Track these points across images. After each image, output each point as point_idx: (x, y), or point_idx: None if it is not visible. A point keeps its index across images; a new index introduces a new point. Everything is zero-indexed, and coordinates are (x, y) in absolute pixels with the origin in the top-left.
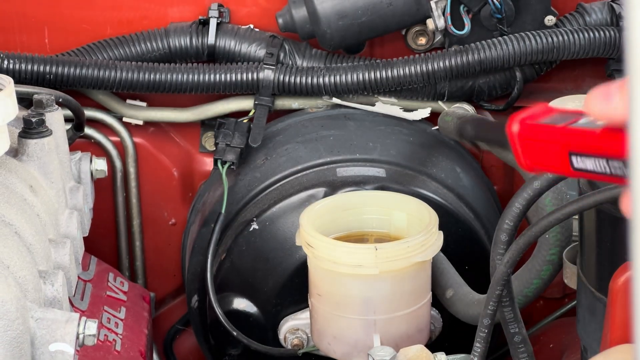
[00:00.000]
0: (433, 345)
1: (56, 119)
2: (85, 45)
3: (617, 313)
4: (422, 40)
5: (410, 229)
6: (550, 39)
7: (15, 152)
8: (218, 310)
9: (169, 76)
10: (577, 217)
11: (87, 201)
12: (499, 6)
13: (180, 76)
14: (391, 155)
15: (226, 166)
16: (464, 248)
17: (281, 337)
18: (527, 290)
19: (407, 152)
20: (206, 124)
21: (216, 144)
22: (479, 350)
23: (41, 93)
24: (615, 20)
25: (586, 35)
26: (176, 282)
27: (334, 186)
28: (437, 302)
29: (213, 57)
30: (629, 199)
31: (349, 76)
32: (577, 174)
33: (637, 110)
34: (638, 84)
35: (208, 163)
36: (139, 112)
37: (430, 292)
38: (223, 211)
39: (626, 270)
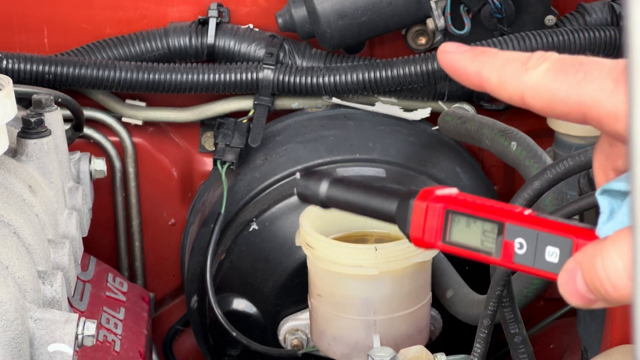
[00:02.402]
0: (433, 346)
1: (55, 119)
2: (85, 45)
3: (618, 314)
4: (422, 40)
5: None
6: (550, 39)
7: (14, 152)
8: (217, 311)
9: (168, 76)
10: (577, 217)
11: (86, 201)
12: (499, 6)
13: (179, 76)
14: (391, 155)
15: (226, 166)
16: None
17: (281, 337)
18: (528, 290)
19: (407, 152)
20: (206, 124)
21: (216, 144)
22: (479, 350)
23: (40, 93)
24: (616, 20)
25: (586, 35)
26: (175, 282)
27: None
28: (437, 302)
29: (212, 56)
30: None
31: (349, 76)
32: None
33: (638, 111)
34: (638, 84)
35: (207, 163)
36: (138, 112)
37: (430, 293)
38: (222, 211)
39: None
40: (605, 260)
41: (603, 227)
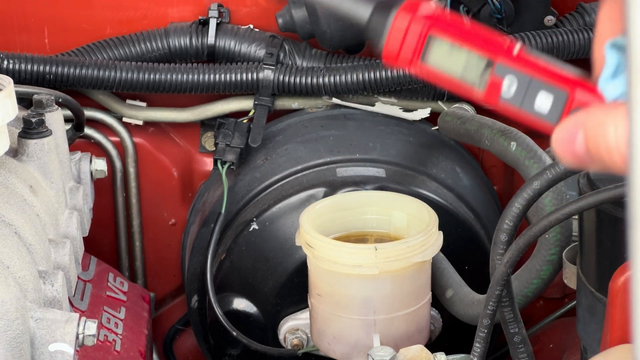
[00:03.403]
0: (433, 346)
1: (56, 119)
2: (85, 45)
3: (617, 313)
4: None
5: (410, 229)
6: (550, 39)
7: (15, 153)
8: (218, 310)
9: (168, 76)
10: (577, 217)
11: (87, 201)
12: (499, 6)
13: (180, 76)
14: (391, 155)
15: (226, 166)
16: (464, 248)
17: (281, 337)
18: (527, 290)
19: (407, 152)
20: (206, 124)
21: (216, 144)
22: (479, 350)
23: (41, 93)
24: None
25: (586, 35)
26: (176, 282)
27: (333, 186)
28: (437, 302)
29: (213, 57)
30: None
31: (349, 76)
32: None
33: (637, 111)
34: (638, 84)
35: (208, 163)
36: (139, 112)
37: (430, 292)
38: (223, 211)
39: (626, 271)
40: (619, 129)
41: (607, 84)
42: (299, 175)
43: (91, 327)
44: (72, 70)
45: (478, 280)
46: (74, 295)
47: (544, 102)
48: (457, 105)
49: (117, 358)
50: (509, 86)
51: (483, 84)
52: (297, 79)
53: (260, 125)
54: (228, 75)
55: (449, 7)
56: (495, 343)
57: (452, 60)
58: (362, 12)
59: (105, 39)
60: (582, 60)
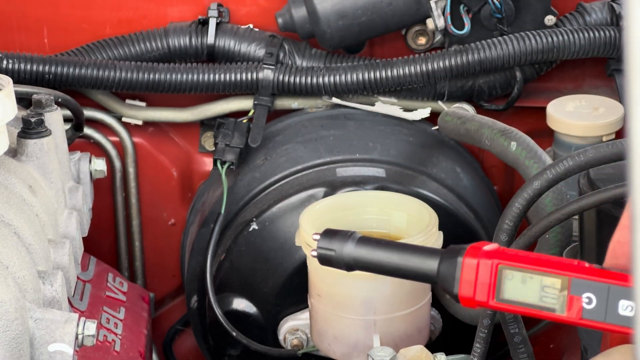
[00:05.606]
0: (433, 346)
1: (55, 119)
2: (85, 45)
3: None
4: (422, 40)
5: (410, 229)
6: (550, 39)
7: (14, 152)
8: (217, 311)
9: (168, 76)
10: (577, 217)
11: (87, 201)
12: (499, 6)
13: (179, 76)
14: (391, 155)
15: (226, 166)
16: None
17: (281, 337)
18: None
19: (407, 152)
20: (205, 124)
21: (216, 144)
22: (479, 350)
23: (40, 93)
24: (615, 20)
25: (586, 35)
26: (175, 282)
27: (333, 186)
28: (437, 302)
29: (212, 56)
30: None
31: (349, 76)
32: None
33: (637, 112)
34: (638, 84)
35: (207, 163)
36: (138, 112)
37: (430, 293)
38: (222, 211)
39: None
40: None
41: None
42: (298, 175)
43: (90, 327)
44: (71, 70)
45: None
46: (73, 296)
47: (627, 308)
48: (457, 105)
49: (117, 358)
50: (589, 300)
51: (563, 305)
52: (297, 79)
53: (260, 125)
54: (228, 75)
55: (449, 7)
56: (495, 343)
57: (526, 289)
58: (430, 266)
59: (104, 39)
60: (582, 60)
